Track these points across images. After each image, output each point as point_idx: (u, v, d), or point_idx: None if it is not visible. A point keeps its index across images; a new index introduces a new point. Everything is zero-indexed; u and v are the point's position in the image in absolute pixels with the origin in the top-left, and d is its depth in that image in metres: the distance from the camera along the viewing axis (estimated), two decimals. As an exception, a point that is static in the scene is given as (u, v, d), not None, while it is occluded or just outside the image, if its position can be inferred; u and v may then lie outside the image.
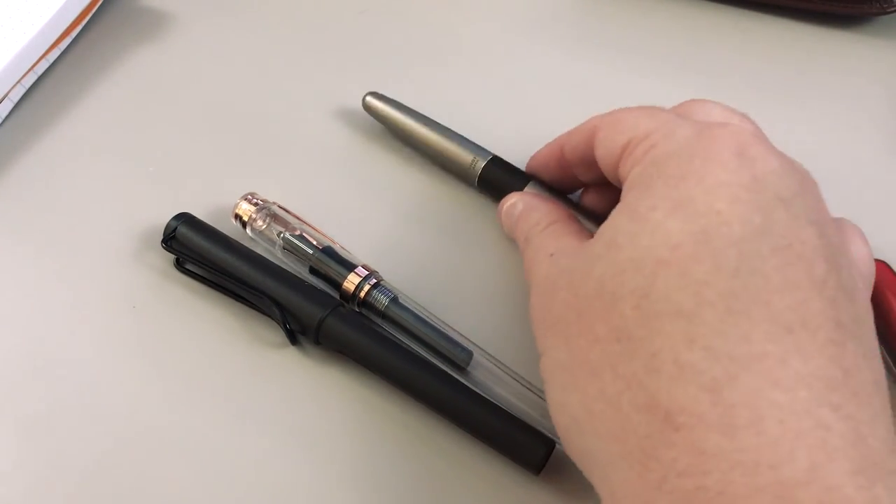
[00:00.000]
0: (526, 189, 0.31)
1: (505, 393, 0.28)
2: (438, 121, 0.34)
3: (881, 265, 0.29)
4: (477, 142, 0.34)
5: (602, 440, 0.21)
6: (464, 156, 0.33)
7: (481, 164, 0.32)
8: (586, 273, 0.23)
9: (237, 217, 0.32)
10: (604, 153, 0.26)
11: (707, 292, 0.20)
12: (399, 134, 0.35)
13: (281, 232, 0.31)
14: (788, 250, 0.21)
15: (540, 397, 0.27)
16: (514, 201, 0.31)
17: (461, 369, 0.28)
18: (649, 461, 0.20)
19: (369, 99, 0.35)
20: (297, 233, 0.31)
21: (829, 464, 0.18)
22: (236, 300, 0.31)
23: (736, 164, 0.22)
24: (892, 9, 0.36)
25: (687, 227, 0.21)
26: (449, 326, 0.29)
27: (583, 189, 0.32)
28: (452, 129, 0.34)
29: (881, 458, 0.19)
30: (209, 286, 0.31)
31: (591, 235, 0.28)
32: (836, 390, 0.20)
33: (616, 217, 0.23)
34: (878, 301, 0.29)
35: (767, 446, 0.19)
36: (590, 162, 0.28)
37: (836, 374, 0.20)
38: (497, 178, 0.32)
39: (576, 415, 0.22)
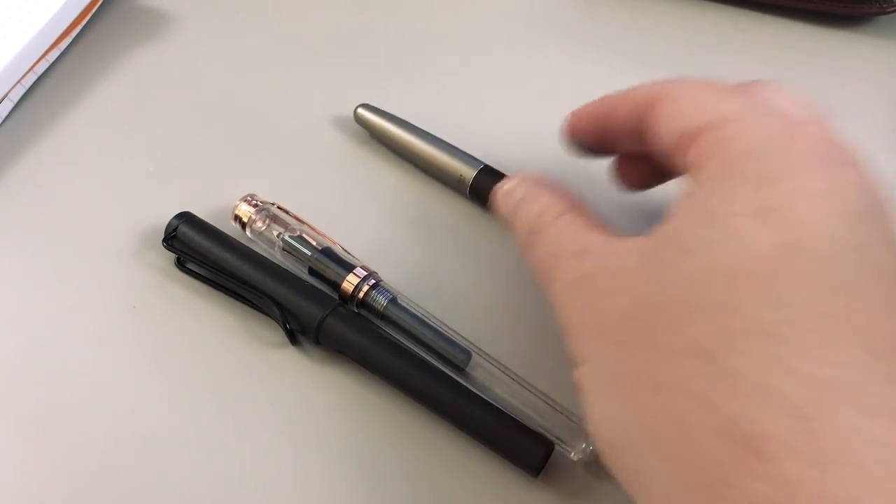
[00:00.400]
0: None
1: (504, 394, 0.28)
2: (434, 126, 0.34)
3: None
4: (475, 145, 0.34)
5: (661, 461, 0.20)
6: (453, 168, 0.33)
7: (471, 174, 0.32)
8: (652, 279, 0.21)
9: (237, 218, 0.32)
10: (667, 131, 0.23)
11: (796, 311, 0.19)
12: (391, 145, 0.35)
13: (280, 233, 0.31)
14: (876, 269, 0.19)
15: (539, 398, 0.27)
16: (510, 186, 0.28)
17: (460, 370, 0.28)
18: (723, 489, 0.18)
19: (360, 111, 0.35)
20: (297, 234, 0.31)
21: None
22: (237, 300, 0.31)
23: (824, 172, 0.20)
24: (892, 9, 0.36)
25: (773, 238, 0.19)
26: (448, 327, 0.29)
27: (616, 159, 0.29)
28: (447, 135, 0.34)
29: None
30: (210, 285, 0.31)
31: (610, 227, 0.25)
32: None
33: (687, 218, 0.21)
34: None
35: (864, 483, 0.17)
36: (636, 133, 0.25)
37: None
38: (488, 189, 0.31)
39: (628, 431, 0.21)
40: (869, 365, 0.18)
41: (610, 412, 0.21)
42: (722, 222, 0.20)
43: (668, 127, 0.23)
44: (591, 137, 0.28)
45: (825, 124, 0.22)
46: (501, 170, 0.33)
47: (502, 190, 0.28)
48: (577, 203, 0.26)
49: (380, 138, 0.35)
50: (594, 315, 0.22)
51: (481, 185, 0.32)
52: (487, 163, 0.33)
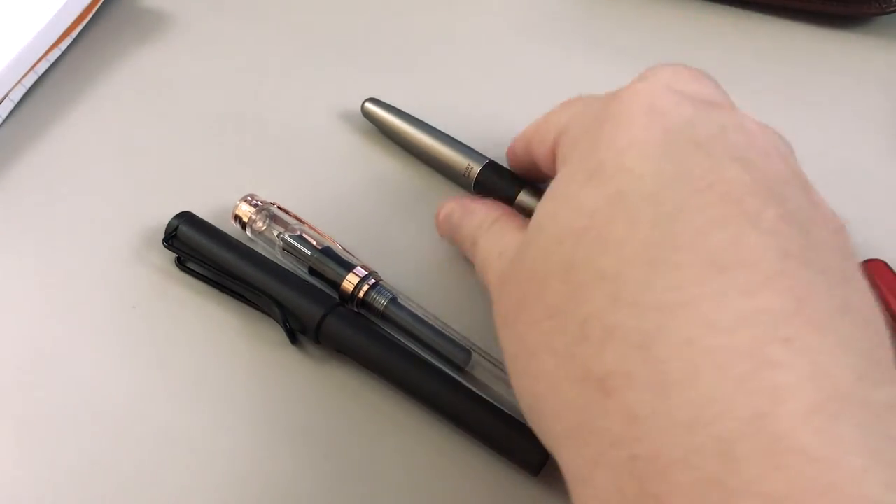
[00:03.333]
0: (520, 195, 0.31)
1: (504, 393, 0.28)
2: (437, 123, 0.34)
3: (881, 265, 0.29)
4: (476, 143, 0.34)
5: (548, 420, 0.21)
6: (459, 162, 0.33)
7: (476, 169, 0.33)
8: (520, 261, 0.23)
9: (237, 218, 0.32)
10: (542, 161, 0.27)
11: (625, 250, 0.19)
12: (397, 139, 0.35)
13: (280, 233, 0.31)
14: (710, 190, 0.19)
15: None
16: (448, 210, 0.30)
17: (460, 369, 0.28)
18: (587, 435, 0.19)
19: (368, 105, 0.36)
20: (297, 234, 0.31)
21: (778, 408, 0.16)
22: (237, 299, 0.31)
23: (645, 121, 0.21)
24: (892, 9, 0.36)
25: (601, 191, 0.21)
26: (448, 326, 0.29)
27: None
28: (451, 132, 0.34)
29: (848, 389, 0.17)
30: (210, 285, 0.31)
31: None
32: (789, 322, 0.17)
33: (540, 202, 0.23)
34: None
35: (703, 400, 0.17)
36: (538, 169, 0.29)
37: (788, 305, 0.18)
38: (492, 184, 0.32)
39: (527, 400, 0.22)
40: (707, 280, 0.18)
41: (516, 386, 0.23)
42: (560, 194, 0.22)
43: (541, 158, 0.27)
44: (524, 162, 0.30)
45: (664, 74, 0.23)
46: (505, 165, 0.33)
47: (442, 213, 0.31)
48: (507, 209, 0.29)
49: (387, 132, 0.35)
50: (500, 306, 0.24)
51: (486, 180, 0.33)
52: (491, 158, 0.33)
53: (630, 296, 0.19)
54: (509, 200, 0.32)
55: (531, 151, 0.28)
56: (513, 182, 0.32)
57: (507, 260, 0.25)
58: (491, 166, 0.33)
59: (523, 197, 0.32)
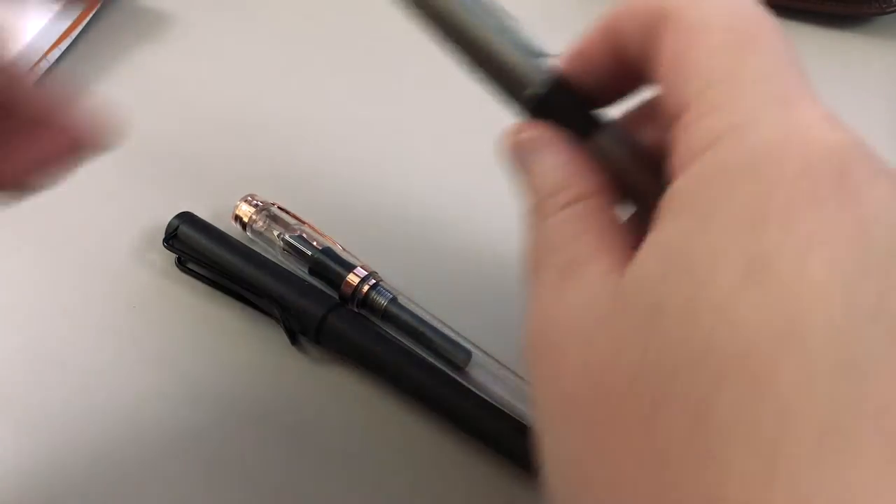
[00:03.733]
0: (601, 138, 0.20)
1: (504, 393, 0.28)
2: (433, 123, 0.34)
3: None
4: (476, 144, 0.34)
5: None
6: (519, 70, 0.20)
7: (542, 89, 0.20)
8: (613, 346, 0.16)
9: (237, 218, 0.32)
10: (681, 82, 0.17)
11: (795, 413, 0.14)
12: (435, 17, 0.21)
13: (280, 233, 0.31)
14: None
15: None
16: (528, 135, 0.20)
17: (460, 369, 0.28)
18: None
19: None
20: (297, 234, 0.31)
21: None
22: (237, 300, 0.31)
23: (835, 201, 0.15)
24: (892, 9, 0.37)
25: (768, 306, 0.14)
26: (448, 326, 0.29)
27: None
28: (447, 132, 0.32)
29: None
30: (210, 285, 0.31)
31: (625, 233, 0.19)
32: None
33: (658, 262, 0.16)
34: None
35: None
36: (641, 61, 0.18)
37: None
38: (559, 110, 0.20)
39: None
40: (892, 473, 0.14)
41: (570, 496, 0.17)
42: (699, 277, 0.15)
43: (677, 77, 0.17)
44: (603, 69, 0.20)
45: (835, 120, 0.17)
46: (502, 167, 0.33)
47: (515, 138, 0.21)
48: (601, 186, 0.19)
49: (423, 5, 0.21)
50: (554, 376, 0.18)
51: (553, 103, 0.20)
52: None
53: (791, 478, 0.14)
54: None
55: (634, 41, 0.18)
56: (587, 115, 0.20)
57: (577, 301, 0.18)
58: (561, 84, 0.20)
59: (603, 142, 0.20)
